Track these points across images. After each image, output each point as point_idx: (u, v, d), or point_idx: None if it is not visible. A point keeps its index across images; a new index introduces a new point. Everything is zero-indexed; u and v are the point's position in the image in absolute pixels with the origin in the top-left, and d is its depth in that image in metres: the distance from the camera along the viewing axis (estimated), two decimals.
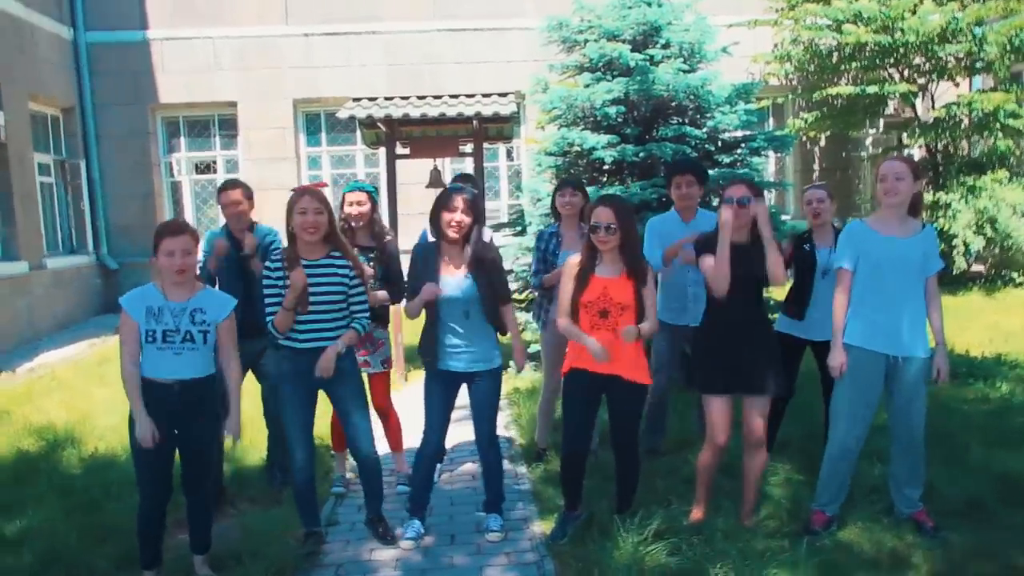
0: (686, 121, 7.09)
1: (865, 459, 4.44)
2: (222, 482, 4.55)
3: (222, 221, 4.67)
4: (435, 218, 3.90)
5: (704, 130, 6.97)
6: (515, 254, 7.50)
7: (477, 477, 4.71)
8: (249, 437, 4.79)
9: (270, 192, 10.45)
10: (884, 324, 3.71)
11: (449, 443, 4.75)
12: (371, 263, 4.44)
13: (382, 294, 4.51)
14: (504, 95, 8.13)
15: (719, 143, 7.20)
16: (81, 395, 7.09)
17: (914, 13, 10.63)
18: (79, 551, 3.83)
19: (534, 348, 6.74)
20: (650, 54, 7.01)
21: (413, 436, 5.15)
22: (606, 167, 7.17)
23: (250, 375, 4.53)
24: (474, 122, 7.45)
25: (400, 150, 7.79)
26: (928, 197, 11.03)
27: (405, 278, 4.20)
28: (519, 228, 7.95)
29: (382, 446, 4.29)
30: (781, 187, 9.05)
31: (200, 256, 3.80)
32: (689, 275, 4.52)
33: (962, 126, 11.23)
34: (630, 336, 3.68)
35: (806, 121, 11.98)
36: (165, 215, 12.92)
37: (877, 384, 3.77)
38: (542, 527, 4.13)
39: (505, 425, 5.95)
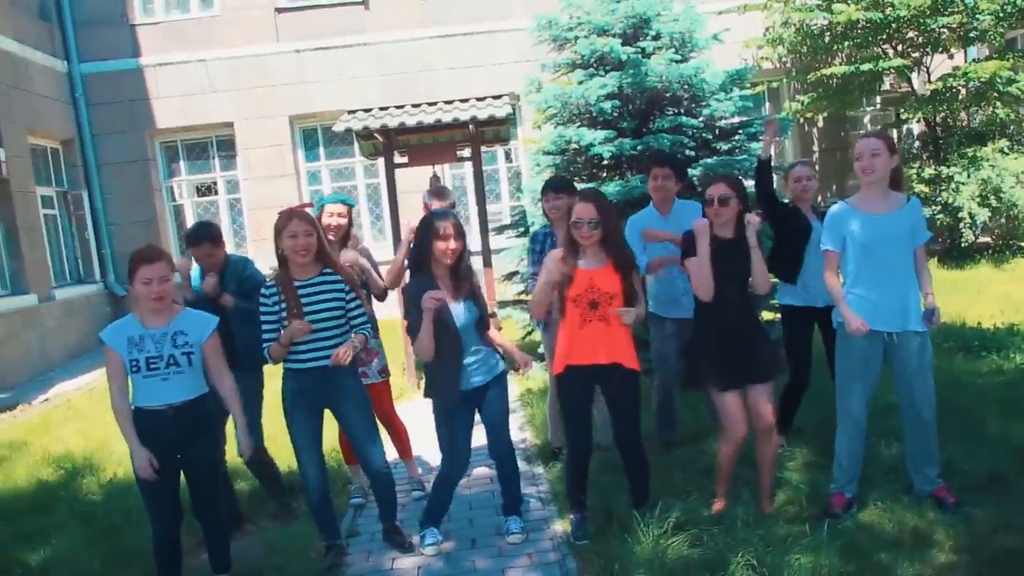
0: (682, 111, 7.08)
1: (882, 438, 4.43)
2: (237, 503, 4.55)
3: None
4: (425, 244, 3.81)
5: (700, 119, 6.96)
6: (519, 255, 7.50)
7: (494, 480, 4.70)
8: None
9: (271, 211, 10.44)
10: (877, 302, 3.71)
11: None
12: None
13: (351, 254, 4.57)
14: (498, 97, 8.12)
15: (716, 131, 7.18)
16: (97, 422, 7.11)
17: None
18: None
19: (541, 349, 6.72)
20: (641, 46, 7.00)
21: (421, 443, 5.18)
22: (605, 162, 7.17)
23: None
24: (470, 126, 7.45)
25: (398, 159, 7.80)
26: (930, 171, 10.98)
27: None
28: (522, 229, 7.95)
29: (390, 452, 4.28)
30: (781, 171, 9.00)
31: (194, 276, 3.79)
32: (675, 269, 4.52)
33: (959, 97, 11.17)
34: (628, 317, 3.68)
35: (802, 103, 11.93)
36: (169, 239, 12.99)
37: (876, 361, 3.80)
38: (562, 526, 4.13)
39: (520, 426, 5.95)
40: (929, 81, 11.50)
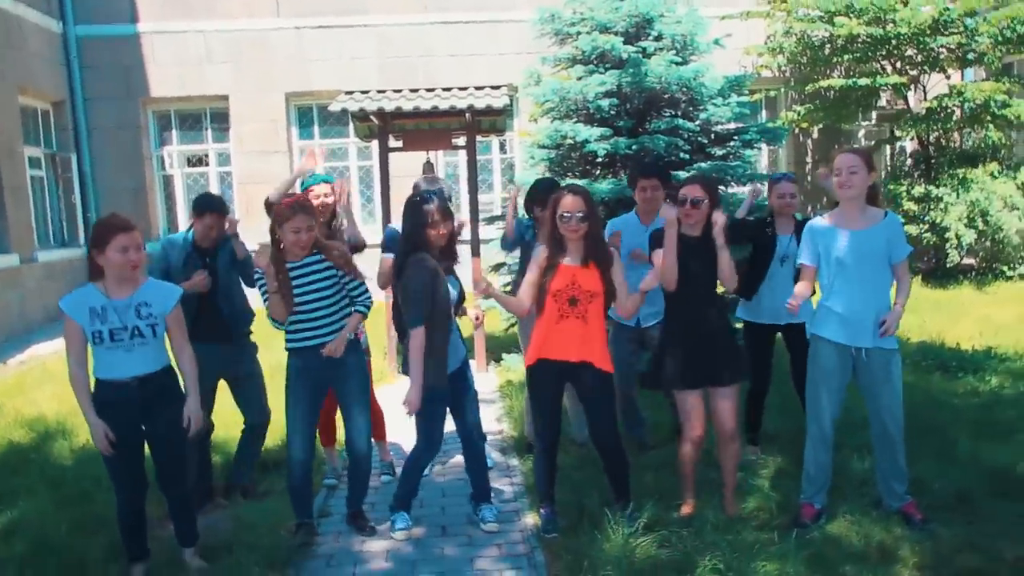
0: (679, 113, 7.09)
1: (855, 452, 4.47)
2: (211, 476, 4.54)
3: None
4: (417, 230, 3.84)
5: (697, 122, 6.98)
6: None
7: None
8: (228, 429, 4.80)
9: (262, 186, 10.41)
10: (848, 317, 3.75)
11: None
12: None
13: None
14: (497, 88, 8.09)
15: (712, 135, 7.21)
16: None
17: (906, 4, 10.63)
18: (70, 542, 3.83)
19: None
20: (642, 46, 7.01)
21: (394, 428, 5.18)
22: (599, 160, 7.17)
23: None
24: (467, 115, 7.42)
25: (393, 143, 7.76)
26: (920, 189, 11.06)
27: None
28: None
29: None
30: (768, 178, 9.04)
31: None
32: (631, 277, 4.47)
33: (954, 118, 11.25)
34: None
35: (799, 113, 11.98)
36: (157, 209, 12.88)
37: (844, 373, 3.84)
38: (534, 519, 4.14)
39: (497, 418, 5.96)
40: (924, 99, 11.57)
